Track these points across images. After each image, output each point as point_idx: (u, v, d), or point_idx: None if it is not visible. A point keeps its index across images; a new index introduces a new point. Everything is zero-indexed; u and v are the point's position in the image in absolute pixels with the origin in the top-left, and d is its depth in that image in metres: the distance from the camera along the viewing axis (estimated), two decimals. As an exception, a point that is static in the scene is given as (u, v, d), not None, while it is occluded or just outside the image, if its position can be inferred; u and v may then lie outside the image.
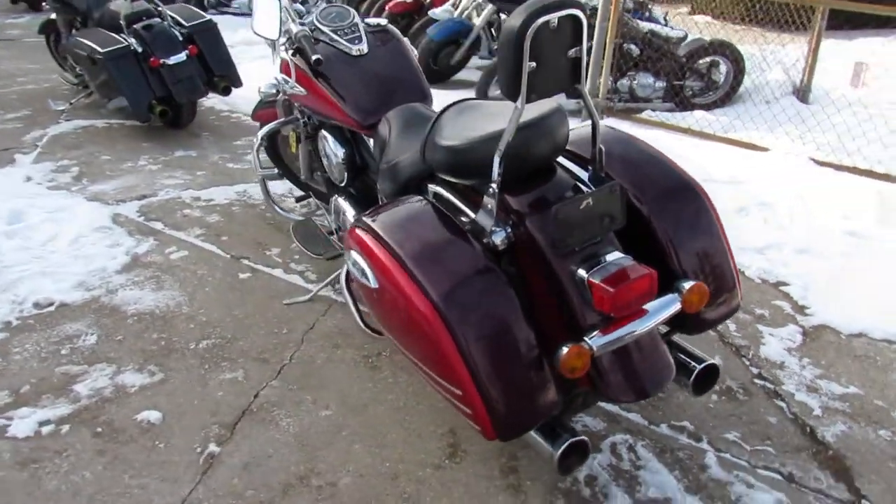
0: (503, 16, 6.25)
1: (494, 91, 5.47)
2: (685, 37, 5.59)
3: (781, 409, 2.28)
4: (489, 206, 1.72)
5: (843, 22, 7.02)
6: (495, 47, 6.37)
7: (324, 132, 2.65)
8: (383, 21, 2.71)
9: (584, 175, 1.90)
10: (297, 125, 2.89)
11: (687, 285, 1.72)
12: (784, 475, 2.00)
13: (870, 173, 4.22)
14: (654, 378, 1.72)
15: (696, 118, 5.11)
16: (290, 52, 2.57)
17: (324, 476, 1.97)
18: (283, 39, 2.58)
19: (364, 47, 2.52)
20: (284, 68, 2.70)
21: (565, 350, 1.59)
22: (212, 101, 5.42)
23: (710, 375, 1.88)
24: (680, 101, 5.59)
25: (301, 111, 2.83)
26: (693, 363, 1.88)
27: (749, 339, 2.62)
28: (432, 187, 2.02)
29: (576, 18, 1.60)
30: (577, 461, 1.72)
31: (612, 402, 1.99)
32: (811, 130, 4.75)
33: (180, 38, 4.55)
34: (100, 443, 2.08)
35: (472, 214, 1.83)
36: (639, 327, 1.64)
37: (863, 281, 3.05)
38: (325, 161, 2.70)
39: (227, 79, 4.70)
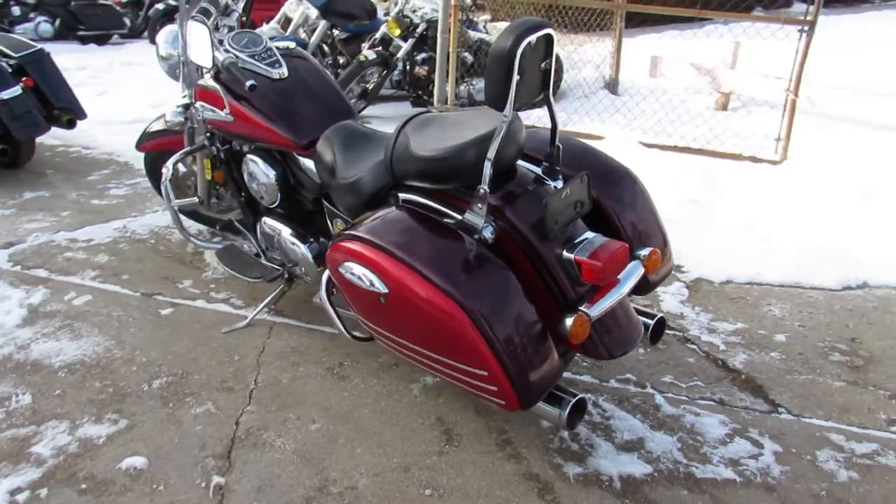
0: (336, 31, 6.39)
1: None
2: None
3: (694, 350, 2.71)
4: (479, 205, 1.92)
5: (626, 21, 8.01)
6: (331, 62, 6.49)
7: (251, 156, 2.67)
8: (291, 44, 2.79)
9: (537, 170, 2.15)
10: (209, 152, 2.87)
11: (645, 252, 2.04)
12: (716, 401, 2.41)
13: (688, 150, 4.94)
14: (632, 334, 2.03)
15: (538, 115, 5.62)
16: (209, 76, 2.56)
17: (340, 482, 2.05)
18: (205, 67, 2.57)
19: (284, 70, 2.59)
20: (202, 95, 2.68)
21: (570, 321, 1.84)
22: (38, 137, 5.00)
23: (661, 327, 2.23)
24: (511, 100, 6.06)
25: (220, 138, 2.82)
26: (647, 319, 2.21)
27: (649, 299, 3.05)
28: (403, 195, 2.16)
29: (549, 36, 1.85)
30: (579, 417, 1.97)
31: (600, 360, 2.25)
32: (637, 118, 5.44)
33: (10, 70, 4.18)
34: (91, 499, 1.98)
35: (455, 215, 2.01)
36: (620, 292, 1.94)
37: (712, 237, 3.63)
38: (252, 184, 2.71)
39: (69, 111, 4.39)
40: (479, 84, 5.87)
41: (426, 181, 2.07)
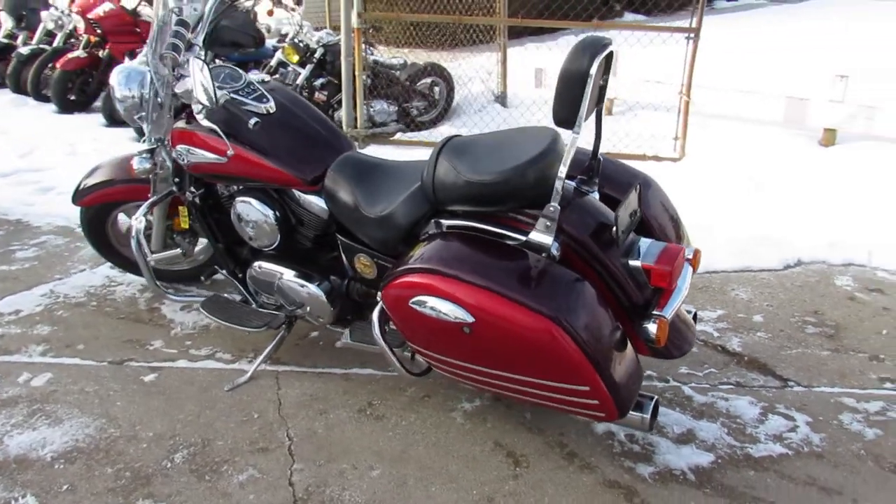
0: (219, 61, 6.08)
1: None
2: (405, 63, 6.13)
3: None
4: (548, 223, 1.93)
5: (494, 35, 8.32)
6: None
7: (243, 198, 2.49)
8: (266, 76, 2.65)
9: (570, 183, 2.20)
10: (184, 199, 2.65)
11: (690, 252, 2.15)
12: (734, 384, 2.58)
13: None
14: (691, 330, 2.13)
15: (441, 132, 5.69)
16: (202, 116, 2.37)
17: (430, 525, 1.97)
18: (198, 107, 2.36)
19: (272, 105, 2.45)
20: (184, 138, 2.47)
21: (653, 326, 1.91)
22: None
23: None
24: (409, 121, 6.11)
25: (193, 182, 2.61)
26: None
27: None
28: (448, 222, 2.12)
29: (610, 53, 1.90)
30: (654, 418, 2.04)
31: (669, 359, 2.30)
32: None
33: None
34: None
35: (515, 235, 2.01)
36: (682, 292, 2.03)
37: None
38: (246, 228, 2.53)
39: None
40: (379, 106, 5.84)
41: (478, 205, 2.05)
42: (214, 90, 2.21)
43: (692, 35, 4.87)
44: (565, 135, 2.01)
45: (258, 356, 2.73)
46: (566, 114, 1.85)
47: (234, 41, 6.19)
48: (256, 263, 2.59)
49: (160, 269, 3.09)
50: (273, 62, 5.70)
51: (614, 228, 1.95)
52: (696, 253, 2.17)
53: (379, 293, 2.10)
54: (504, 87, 6.73)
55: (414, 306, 1.93)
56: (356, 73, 5.21)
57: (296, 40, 5.55)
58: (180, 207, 2.71)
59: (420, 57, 7.02)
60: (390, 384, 2.58)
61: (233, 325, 2.62)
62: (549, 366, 1.83)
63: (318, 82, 5.65)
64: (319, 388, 2.58)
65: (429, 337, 2.00)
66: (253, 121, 2.27)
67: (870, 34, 9.30)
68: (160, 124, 2.53)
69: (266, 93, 2.47)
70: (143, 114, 2.62)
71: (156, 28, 2.50)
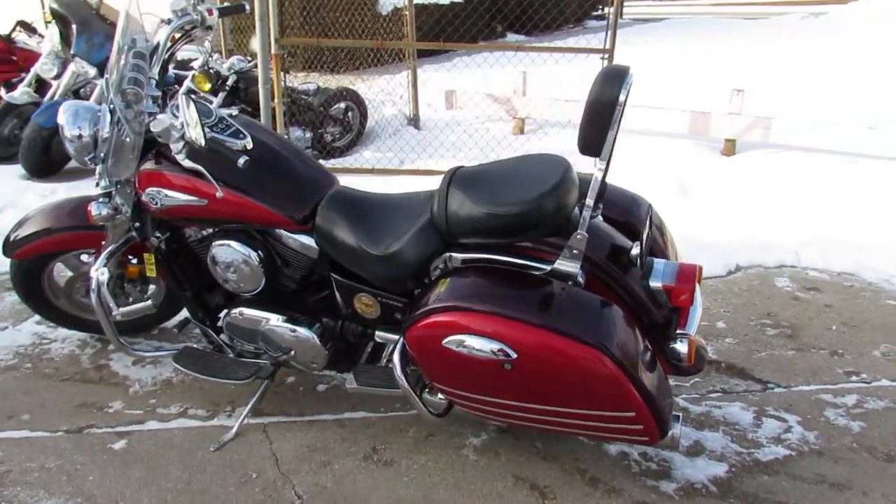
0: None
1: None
2: (317, 89, 5.99)
3: (667, 352, 2.95)
4: (575, 251, 1.92)
5: (393, 58, 8.31)
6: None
7: (222, 241, 2.31)
8: (234, 110, 2.48)
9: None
10: (149, 244, 2.44)
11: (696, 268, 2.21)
12: (721, 391, 2.67)
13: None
14: (704, 348, 2.18)
15: (367, 158, 5.59)
16: (183, 156, 2.17)
17: (476, 572, 1.89)
18: (178, 147, 2.17)
19: (249, 141, 2.29)
20: (153, 180, 2.26)
21: (683, 345, 1.94)
22: None
23: None
24: (322, 147, 5.96)
25: (156, 227, 2.40)
26: None
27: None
28: (464, 256, 2.06)
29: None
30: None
31: (687, 376, 2.29)
32: (452, 149, 5.71)
33: None
34: None
35: (538, 265, 1.98)
36: (699, 309, 2.08)
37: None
38: (227, 272, 2.35)
39: None
40: (294, 132, 5.65)
41: (497, 237, 2.00)
42: (203, 129, 2.04)
43: (606, 56, 5.06)
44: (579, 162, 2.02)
45: (237, 409, 2.55)
46: (593, 141, 1.85)
47: (134, 69, 5.84)
48: (236, 310, 2.42)
49: (87, 322, 2.85)
50: (182, 90, 5.37)
51: (637, 252, 1.97)
52: (700, 270, 2.23)
53: (401, 334, 2.00)
54: (416, 110, 6.72)
55: (449, 346, 1.85)
56: (276, 100, 5.02)
57: (206, 67, 5.28)
58: (146, 255, 2.48)
59: (327, 81, 6.88)
60: (388, 426, 2.48)
61: (216, 379, 2.42)
62: (595, 395, 1.81)
63: (232, 110, 5.38)
64: (314, 437, 2.43)
65: (462, 376, 1.93)
66: (242, 160, 2.12)
67: (754, 52, 10.07)
68: (122, 165, 2.30)
69: (240, 128, 2.32)
70: (96, 155, 2.38)
71: (113, 62, 2.29)
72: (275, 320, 2.36)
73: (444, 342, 1.86)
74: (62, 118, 2.36)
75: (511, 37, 13.68)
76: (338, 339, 2.40)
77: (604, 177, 2.14)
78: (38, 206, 2.81)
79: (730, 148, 5.63)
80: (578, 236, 1.90)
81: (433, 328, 1.88)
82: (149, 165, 2.30)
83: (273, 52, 4.92)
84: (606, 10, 20.25)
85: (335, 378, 2.73)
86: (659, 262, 2.08)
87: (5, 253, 2.69)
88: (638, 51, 8.86)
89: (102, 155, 2.32)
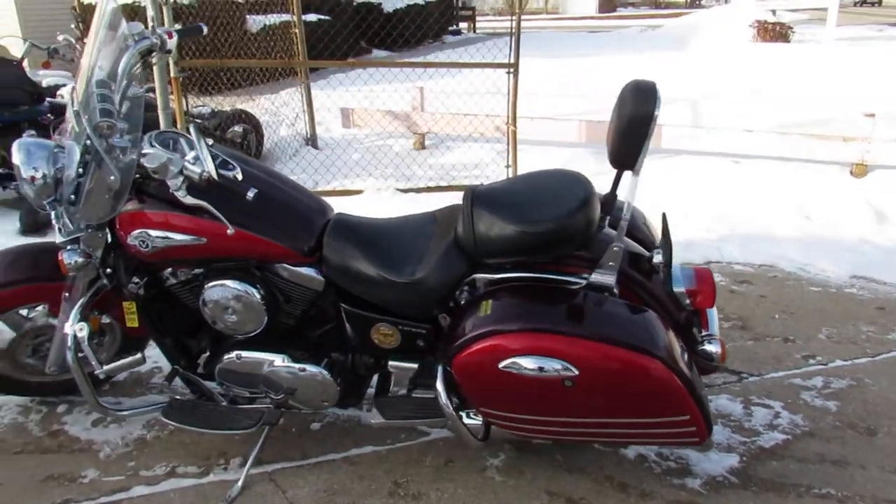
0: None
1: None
2: (212, 111, 5.70)
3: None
4: (611, 262, 1.95)
5: (274, 76, 8.08)
6: None
7: (218, 280, 2.13)
8: (209, 140, 2.30)
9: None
10: (127, 292, 2.20)
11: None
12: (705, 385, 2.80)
13: (438, 188, 5.32)
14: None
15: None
16: (184, 193, 1.98)
17: None
18: (176, 183, 1.96)
19: (238, 172, 2.13)
20: (138, 221, 2.05)
21: (716, 346, 2.02)
22: None
23: None
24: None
25: (137, 270, 2.18)
26: None
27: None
28: (486, 276, 2.04)
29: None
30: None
31: (708, 374, 2.35)
32: (365, 168, 5.64)
33: None
34: None
35: (572, 279, 1.99)
36: (715, 311, 2.17)
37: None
38: (224, 314, 2.16)
39: None
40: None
41: (529, 254, 1.99)
42: (210, 161, 1.88)
43: (511, 70, 5.19)
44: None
45: (231, 460, 2.37)
46: (627, 156, 1.88)
47: (6, 99, 5.31)
48: (231, 354, 2.24)
49: (28, 384, 2.56)
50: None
51: (660, 260, 2.03)
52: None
53: (444, 362, 1.94)
54: (313, 129, 6.56)
55: (508, 369, 1.82)
56: (178, 125, 4.71)
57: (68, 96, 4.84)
58: (125, 304, 2.23)
59: (216, 102, 6.56)
60: (402, 458, 2.39)
61: (219, 431, 2.23)
62: (654, 402, 1.85)
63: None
64: (328, 479, 2.29)
65: (515, 398, 1.89)
66: (251, 192, 1.96)
67: (633, 64, 10.71)
68: (99, 207, 2.06)
69: (227, 158, 2.15)
70: (56, 197, 2.13)
71: (83, 90, 2.06)
72: (279, 361, 2.21)
73: (500, 366, 1.82)
74: (16, 158, 2.09)
75: (377, 52, 13.75)
76: (348, 372, 2.29)
77: (615, 186, 2.20)
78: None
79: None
80: (615, 248, 1.94)
81: (486, 353, 1.84)
82: (131, 206, 2.08)
83: (172, 75, 4.62)
84: (461, 25, 20.93)
85: (328, 415, 2.60)
86: (675, 268, 2.16)
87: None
88: (534, 64, 9.13)
89: (70, 197, 2.07)
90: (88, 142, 2.01)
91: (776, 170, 5.39)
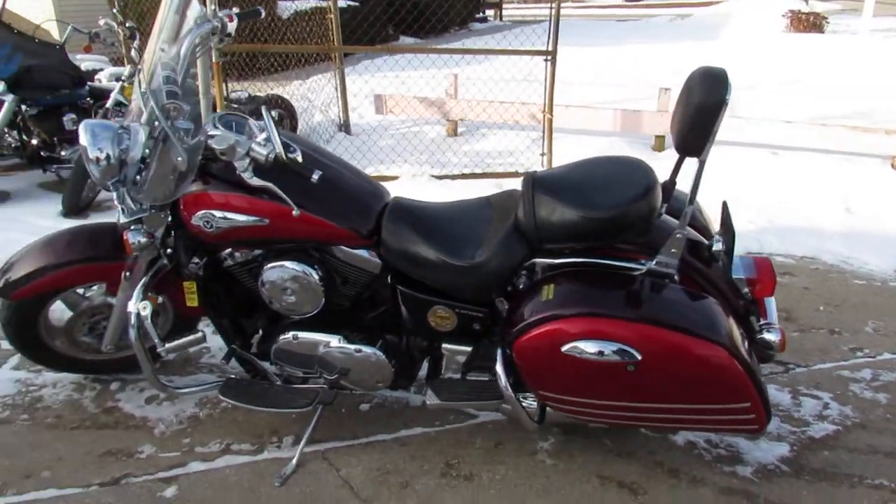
0: (25, 107, 5.15)
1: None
2: (249, 97, 5.74)
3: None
4: (674, 249, 1.95)
5: (303, 62, 8.10)
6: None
7: (277, 262, 2.16)
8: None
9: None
10: (187, 272, 2.24)
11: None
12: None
13: (473, 175, 5.32)
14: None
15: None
16: (250, 174, 2.00)
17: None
18: (243, 164, 1.99)
19: (299, 155, 2.15)
20: (202, 202, 2.08)
21: (775, 334, 2.01)
22: None
23: None
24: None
25: (196, 250, 2.22)
26: None
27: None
28: (545, 261, 2.05)
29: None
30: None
31: (767, 363, 2.35)
32: (412, 155, 5.65)
33: None
34: None
35: (632, 265, 2.00)
36: (773, 300, 2.16)
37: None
38: (284, 295, 2.19)
39: None
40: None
41: (591, 240, 2.00)
42: (279, 142, 1.90)
43: (549, 58, 5.17)
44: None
45: (284, 438, 2.41)
46: (695, 142, 1.88)
47: (49, 83, 5.37)
48: (288, 335, 2.27)
49: (84, 362, 2.62)
50: (110, 103, 4.97)
51: (720, 248, 2.03)
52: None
53: (507, 345, 1.96)
54: (346, 115, 6.58)
55: (570, 353, 1.83)
56: (218, 110, 4.75)
57: (135, 78, 4.89)
58: (186, 283, 2.26)
59: (249, 87, 6.60)
60: (451, 440, 2.41)
61: (275, 409, 2.26)
62: (716, 389, 1.85)
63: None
64: (381, 459, 2.32)
65: (576, 381, 1.90)
66: (316, 175, 1.99)
67: (667, 53, 10.63)
68: (164, 188, 2.09)
69: (288, 141, 2.17)
70: (120, 178, 2.16)
71: (149, 72, 2.09)
72: (335, 342, 2.24)
73: (563, 349, 1.84)
74: (83, 139, 2.12)
75: (404, 39, 13.73)
76: (402, 354, 2.31)
77: (675, 173, 2.19)
78: (27, 244, 2.51)
79: (660, 144, 5.92)
80: (678, 235, 1.94)
81: (550, 336, 1.85)
82: (195, 187, 2.11)
83: (214, 59, 4.65)
84: (488, 13, 20.85)
85: (376, 397, 2.63)
86: (734, 256, 2.15)
87: (4, 294, 2.38)
88: (567, 52, 9.08)
89: (134, 177, 2.10)
90: (156, 123, 2.03)
91: (815, 161, 5.32)
